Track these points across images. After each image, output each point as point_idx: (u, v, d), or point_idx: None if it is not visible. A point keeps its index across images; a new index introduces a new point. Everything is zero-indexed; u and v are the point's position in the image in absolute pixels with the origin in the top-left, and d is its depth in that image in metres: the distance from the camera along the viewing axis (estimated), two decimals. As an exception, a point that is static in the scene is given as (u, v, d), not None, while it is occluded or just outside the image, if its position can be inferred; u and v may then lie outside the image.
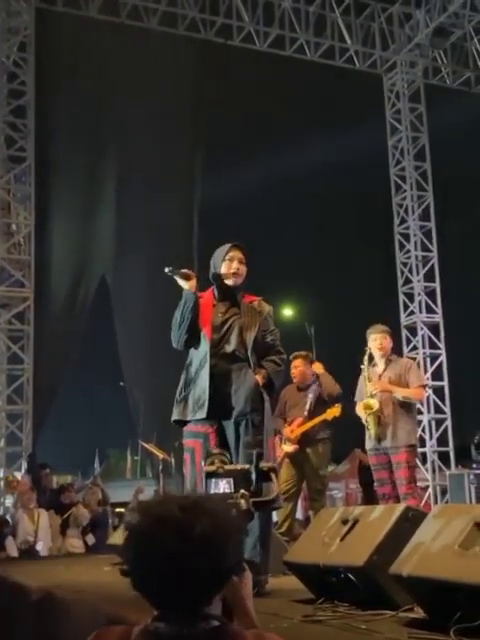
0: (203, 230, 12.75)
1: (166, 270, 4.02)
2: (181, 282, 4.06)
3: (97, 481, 10.46)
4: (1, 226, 10.39)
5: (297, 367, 6.51)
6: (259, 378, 3.91)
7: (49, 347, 11.10)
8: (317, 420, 6.30)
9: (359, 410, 5.81)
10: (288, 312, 21.19)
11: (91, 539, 8.63)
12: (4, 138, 10.60)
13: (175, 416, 4.07)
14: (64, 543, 8.50)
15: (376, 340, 5.83)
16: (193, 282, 4.07)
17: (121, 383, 17.34)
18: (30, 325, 10.39)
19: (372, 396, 5.63)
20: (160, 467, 8.69)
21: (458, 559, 2.60)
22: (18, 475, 10.04)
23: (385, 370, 5.78)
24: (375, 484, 5.78)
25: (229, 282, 4.12)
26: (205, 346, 4.01)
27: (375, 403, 5.59)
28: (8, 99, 10.72)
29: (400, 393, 5.66)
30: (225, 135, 12.90)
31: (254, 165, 15.38)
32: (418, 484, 12.43)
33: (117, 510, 12.11)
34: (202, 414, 3.94)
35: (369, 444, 5.73)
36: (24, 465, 10.08)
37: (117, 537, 6.19)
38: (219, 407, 3.93)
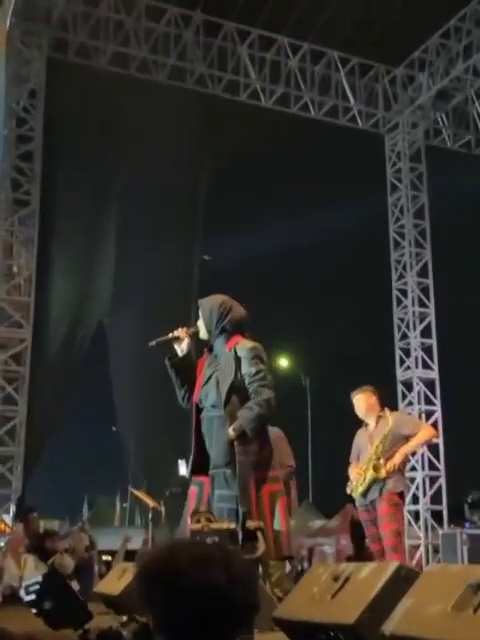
0: (203, 280, 12.89)
1: (149, 345, 4.09)
2: (175, 347, 4.13)
3: (85, 527, 10.33)
4: (3, 267, 10.48)
5: None
6: (230, 431, 3.82)
7: (44, 390, 11.09)
8: None
9: (353, 472, 5.67)
10: (284, 363, 21.24)
11: (75, 585, 8.46)
12: (10, 181, 10.75)
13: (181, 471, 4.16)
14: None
15: (358, 401, 5.83)
16: (184, 342, 4.13)
17: (113, 428, 17.26)
18: (26, 366, 10.38)
19: (377, 459, 5.53)
20: (150, 515, 8.61)
21: (451, 620, 2.58)
22: (6, 518, 9.91)
23: (376, 427, 5.72)
24: (367, 540, 5.72)
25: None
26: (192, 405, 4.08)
27: (382, 473, 5.49)
28: (16, 144, 10.91)
29: (412, 447, 5.64)
30: (226, 193, 13.12)
31: (254, 222, 15.58)
32: (409, 542, 12.33)
33: (104, 558, 11.92)
34: (189, 472, 4.04)
35: (358, 500, 5.66)
36: (13, 508, 9.96)
37: (105, 586, 6.09)
38: (205, 463, 3.97)
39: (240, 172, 12.83)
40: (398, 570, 3.15)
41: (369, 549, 5.75)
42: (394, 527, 5.44)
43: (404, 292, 13.15)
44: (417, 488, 12.23)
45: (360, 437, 5.87)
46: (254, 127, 12.33)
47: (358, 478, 5.59)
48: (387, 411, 5.80)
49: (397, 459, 5.52)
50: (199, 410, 4.03)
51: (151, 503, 8.55)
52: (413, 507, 12.31)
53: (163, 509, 8.49)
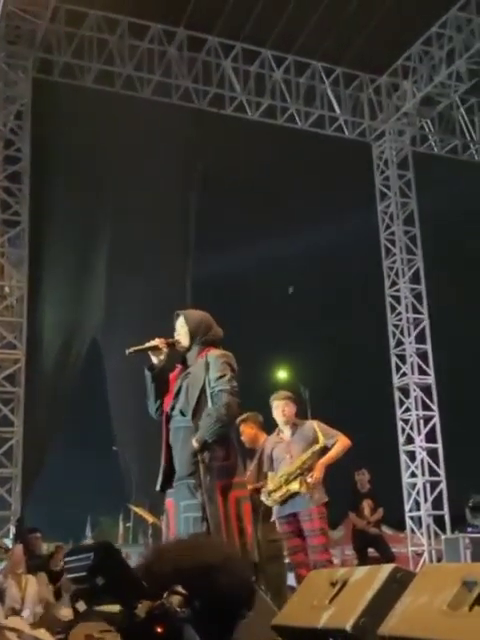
0: (196, 295, 12.90)
1: (127, 352, 4.10)
2: (152, 357, 4.12)
3: (87, 547, 10.22)
4: (-6, 289, 10.49)
5: (242, 433, 6.16)
6: (193, 442, 3.85)
7: (39, 410, 11.04)
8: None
9: (271, 482, 5.58)
10: (283, 375, 21.21)
11: (82, 606, 8.34)
12: (0, 202, 10.77)
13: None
14: (53, 611, 8.26)
15: (277, 408, 5.76)
16: (161, 353, 4.11)
17: (114, 447, 17.18)
18: (21, 387, 10.36)
19: (302, 473, 5.45)
20: (150, 532, 8.57)
21: (447, 619, 2.55)
22: (7, 541, 9.84)
23: (292, 436, 5.68)
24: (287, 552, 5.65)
25: (179, 350, 4.18)
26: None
27: (301, 487, 5.41)
28: (4, 165, 10.95)
29: (332, 458, 5.55)
30: (216, 206, 13.13)
31: (245, 235, 15.60)
32: (413, 548, 12.25)
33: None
34: (157, 486, 4.02)
35: (276, 511, 5.59)
36: (12, 530, 9.90)
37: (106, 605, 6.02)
38: (173, 475, 3.99)
39: (228, 186, 12.85)
40: (394, 572, 3.12)
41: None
42: (325, 541, 5.44)
43: (397, 299, 13.17)
44: (418, 494, 12.20)
45: (274, 445, 5.78)
46: (240, 140, 12.35)
47: (277, 489, 5.53)
48: (307, 422, 5.74)
49: (318, 473, 5.46)
50: (168, 420, 4.04)
51: (150, 519, 8.51)
52: (415, 513, 12.27)
53: (164, 525, 8.42)
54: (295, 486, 5.45)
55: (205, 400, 3.90)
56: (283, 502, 5.53)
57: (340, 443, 5.60)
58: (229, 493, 3.83)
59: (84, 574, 2.62)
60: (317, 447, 5.51)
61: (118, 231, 12.50)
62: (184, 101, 12.26)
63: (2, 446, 10.19)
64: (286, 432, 5.74)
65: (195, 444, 3.83)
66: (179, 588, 1.48)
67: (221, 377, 3.89)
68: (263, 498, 5.62)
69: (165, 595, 1.76)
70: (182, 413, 3.97)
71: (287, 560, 6.12)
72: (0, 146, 10.97)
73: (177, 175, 12.78)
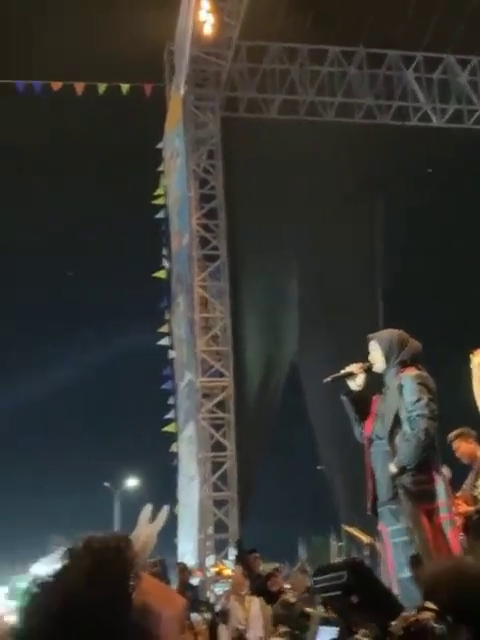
0: (388, 306, 12.66)
1: (324, 381, 4.19)
2: (349, 383, 4.13)
3: (305, 567, 10.31)
4: (200, 321, 10.98)
5: (457, 449, 5.90)
6: (391, 467, 3.79)
7: (248, 433, 11.32)
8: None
9: None
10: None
11: (298, 626, 8.43)
12: (199, 240, 11.30)
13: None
14: (275, 634, 8.38)
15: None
16: (359, 377, 4.10)
17: (319, 467, 17.19)
18: (230, 413, 10.73)
19: None
20: (365, 552, 8.45)
21: None
22: (227, 563, 10.17)
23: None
24: None
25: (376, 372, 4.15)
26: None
27: None
28: (200, 203, 11.49)
29: None
30: (403, 216, 12.83)
31: (437, 252, 15.03)
32: None
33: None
34: (368, 510, 4.01)
35: None
36: (232, 552, 10.20)
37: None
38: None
39: (419, 201, 12.51)
40: None
41: None
42: None
43: None
44: None
45: None
46: (423, 151, 12.02)
47: None
48: None
49: None
50: (370, 443, 4.02)
51: (365, 539, 8.40)
52: None
53: (379, 544, 8.30)
54: None
55: (400, 424, 3.86)
56: None
57: None
58: (434, 518, 3.74)
59: (339, 593, 2.61)
60: None
61: (308, 256, 12.57)
62: (367, 119, 12.22)
63: (217, 470, 10.58)
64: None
65: (393, 469, 3.78)
66: (430, 604, 1.48)
67: (418, 401, 3.82)
68: None
69: (415, 611, 1.74)
70: (379, 437, 3.96)
71: None
72: (196, 186, 11.53)
73: (363, 195, 12.63)
